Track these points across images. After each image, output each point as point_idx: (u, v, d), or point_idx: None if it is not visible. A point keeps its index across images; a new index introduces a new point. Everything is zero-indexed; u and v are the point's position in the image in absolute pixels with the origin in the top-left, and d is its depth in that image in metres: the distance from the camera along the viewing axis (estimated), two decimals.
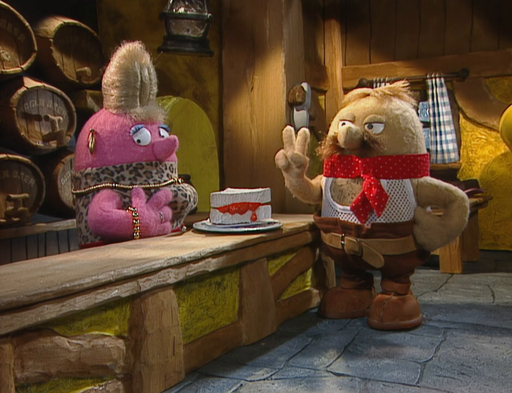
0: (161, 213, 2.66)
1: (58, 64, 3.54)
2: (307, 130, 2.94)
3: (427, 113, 4.86)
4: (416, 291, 3.39)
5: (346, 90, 5.24)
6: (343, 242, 2.76)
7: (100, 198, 2.59)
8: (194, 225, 2.90)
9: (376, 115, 2.73)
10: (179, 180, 2.84)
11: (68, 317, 1.76)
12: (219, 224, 2.74)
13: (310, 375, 2.16)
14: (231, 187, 3.05)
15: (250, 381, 2.12)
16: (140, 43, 2.76)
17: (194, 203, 2.84)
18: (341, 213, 2.78)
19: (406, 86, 2.85)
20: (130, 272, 1.90)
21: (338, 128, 2.83)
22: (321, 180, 2.98)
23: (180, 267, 2.13)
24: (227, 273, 2.48)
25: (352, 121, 2.77)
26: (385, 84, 4.89)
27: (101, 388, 1.86)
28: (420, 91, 4.86)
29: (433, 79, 4.72)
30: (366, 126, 2.72)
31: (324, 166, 2.96)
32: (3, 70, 3.16)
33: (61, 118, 3.44)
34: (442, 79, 4.71)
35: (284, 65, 3.69)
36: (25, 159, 3.25)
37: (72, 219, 3.26)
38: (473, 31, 4.77)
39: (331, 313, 2.91)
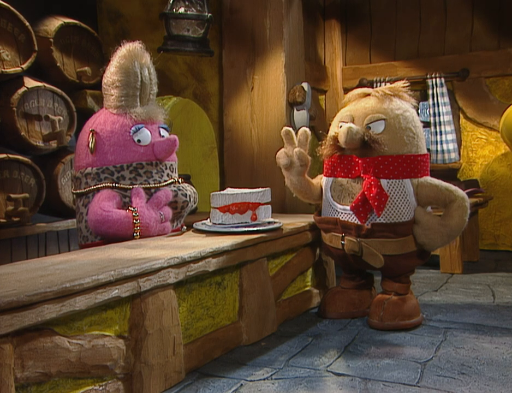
0: (162, 212, 2.66)
1: (58, 64, 3.54)
2: (307, 129, 2.94)
3: (427, 113, 4.86)
4: (416, 291, 3.39)
5: (346, 90, 5.24)
6: (343, 242, 2.76)
7: (100, 198, 2.59)
8: (194, 225, 2.90)
9: (376, 115, 2.73)
10: (179, 180, 2.84)
11: (68, 317, 1.76)
12: (219, 224, 2.74)
13: (310, 375, 2.16)
14: (231, 187, 3.05)
15: (250, 381, 2.12)
16: (140, 43, 2.76)
17: (194, 203, 2.84)
18: (341, 213, 2.78)
19: (407, 86, 2.85)
20: (130, 272, 1.90)
21: (338, 128, 2.83)
22: (321, 180, 2.98)
23: (181, 267, 2.13)
24: (228, 273, 2.48)
25: (353, 118, 2.77)
26: (385, 84, 4.88)
27: (101, 388, 1.86)
28: (420, 91, 4.86)
29: (433, 79, 4.72)
30: (366, 126, 2.72)
31: (324, 166, 2.95)
32: (3, 69, 3.16)
33: (61, 118, 3.44)
34: (443, 79, 4.71)
35: (284, 65, 3.69)
36: (26, 159, 3.25)
37: (73, 219, 3.26)
38: (473, 31, 4.77)
39: (331, 312, 2.91)
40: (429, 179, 2.76)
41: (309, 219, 3.10)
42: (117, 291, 1.86)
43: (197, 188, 3.28)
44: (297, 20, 3.90)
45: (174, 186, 2.76)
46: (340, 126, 2.79)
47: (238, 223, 2.73)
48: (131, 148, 2.67)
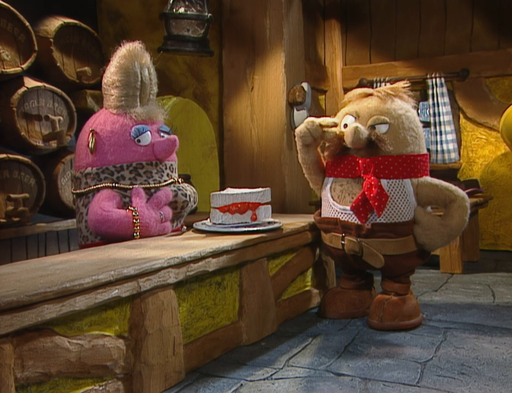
0: (161, 212, 2.66)
1: (58, 64, 3.54)
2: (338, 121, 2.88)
3: (427, 113, 4.86)
4: (416, 291, 3.39)
5: (346, 90, 5.22)
6: (343, 242, 2.76)
7: (100, 198, 2.59)
8: (194, 225, 2.90)
9: (380, 116, 2.73)
10: (179, 180, 2.84)
11: (68, 317, 1.76)
12: (219, 224, 2.74)
13: (310, 375, 2.16)
14: (231, 187, 3.05)
15: (250, 381, 2.12)
16: (140, 43, 2.76)
17: (194, 203, 2.84)
18: (342, 213, 2.77)
19: (407, 86, 2.86)
20: (130, 272, 1.90)
21: (340, 127, 2.82)
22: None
23: (181, 267, 2.13)
24: (228, 273, 2.48)
25: (356, 118, 2.77)
26: (385, 84, 4.89)
27: (101, 388, 1.86)
28: (420, 91, 4.86)
29: (433, 79, 4.72)
30: (370, 126, 2.72)
31: (325, 165, 2.95)
32: (3, 70, 3.16)
33: (61, 118, 3.44)
34: (443, 79, 4.71)
35: (284, 65, 3.69)
36: (26, 159, 3.25)
37: (72, 219, 3.26)
38: (473, 31, 4.77)
39: (331, 313, 2.91)
40: (429, 179, 2.76)
41: (309, 219, 3.10)
42: (117, 291, 1.86)
43: (197, 188, 3.28)
44: (297, 20, 3.90)
45: (174, 186, 2.76)
46: (345, 126, 2.78)
47: (238, 223, 2.73)
48: (131, 148, 2.67)
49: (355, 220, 2.72)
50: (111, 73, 2.72)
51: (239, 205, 2.74)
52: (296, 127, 3.00)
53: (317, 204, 3.40)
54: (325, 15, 5.19)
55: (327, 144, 2.84)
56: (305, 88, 3.70)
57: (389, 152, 2.68)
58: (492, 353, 2.33)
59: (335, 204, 2.81)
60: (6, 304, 1.51)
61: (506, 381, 2.04)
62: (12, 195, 3.15)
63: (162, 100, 4.34)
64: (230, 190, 2.88)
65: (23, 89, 3.24)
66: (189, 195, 2.78)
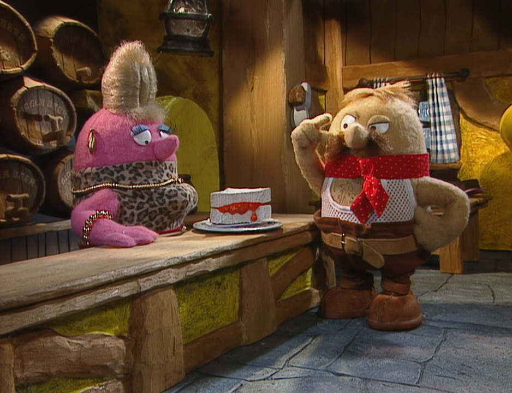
0: (124, 231, 2.49)
1: (58, 64, 3.54)
2: (330, 116, 2.90)
3: (427, 113, 4.86)
4: (416, 291, 3.39)
5: (346, 90, 5.22)
6: (343, 242, 2.76)
7: (92, 199, 2.61)
8: (194, 225, 2.90)
9: (382, 116, 2.73)
10: (179, 180, 2.84)
11: (68, 317, 1.76)
12: (219, 224, 2.74)
13: (310, 375, 2.16)
14: (231, 187, 3.05)
15: (250, 381, 2.12)
16: (139, 43, 2.76)
17: (194, 203, 2.84)
18: (341, 213, 2.77)
19: (407, 87, 2.86)
20: (130, 272, 1.90)
21: (340, 127, 2.83)
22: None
23: (181, 267, 2.13)
24: (227, 273, 2.48)
25: (356, 118, 2.77)
26: (385, 84, 4.89)
27: (101, 388, 1.86)
28: (420, 91, 4.86)
29: (433, 79, 4.72)
30: (371, 126, 2.72)
31: (325, 166, 2.95)
32: (3, 70, 3.16)
33: (61, 118, 3.44)
34: (443, 79, 4.71)
35: (284, 65, 3.69)
36: (26, 159, 3.25)
37: None
38: (473, 31, 4.77)
39: (331, 313, 2.91)
40: (429, 179, 2.76)
41: (309, 219, 3.10)
42: (117, 291, 1.86)
43: (197, 188, 3.28)
44: (297, 20, 3.90)
45: (174, 186, 2.75)
46: (345, 126, 2.79)
47: (238, 223, 2.73)
48: (131, 148, 2.67)
49: (355, 220, 2.72)
50: (111, 73, 2.72)
51: (239, 205, 2.74)
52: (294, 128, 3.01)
53: (317, 204, 3.40)
54: (325, 15, 5.19)
55: (327, 145, 2.83)
56: (305, 88, 3.70)
57: (389, 151, 2.67)
58: (492, 353, 2.33)
59: (335, 204, 2.81)
60: (6, 304, 1.51)
61: (506, 381, 2.04)
62: (12, 195, 3.15)
63: (162, 100, 4.34)
64: (230, 190, 2.88)
65: (23, 89, 3.24)
66: (189, 195, 2.78)
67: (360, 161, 2.71)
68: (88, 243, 2.51)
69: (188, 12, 3.58)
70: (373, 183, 2.65)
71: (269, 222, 2.83)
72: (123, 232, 2.44)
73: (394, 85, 2.86)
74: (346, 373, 2.17)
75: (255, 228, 2.68)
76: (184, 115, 5.14)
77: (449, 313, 2.94)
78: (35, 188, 3.32)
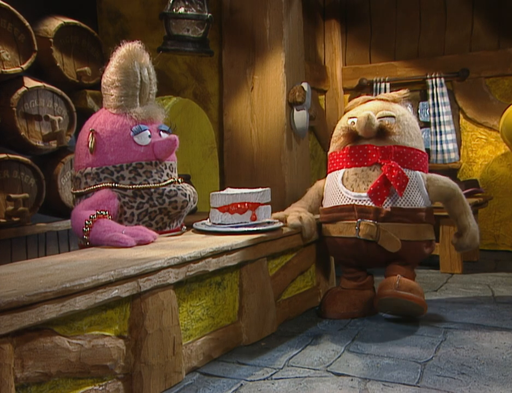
0: (124, 231, 2.49)
1: (58, 64, 3.54)
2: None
3: (427, 113, 4.86)
4: None
5: (346, 90, 5.24)
6: (357, 228, 2.79)
7: (92, 199, 2.61)
8: (194, 225, 2.90)
9: (387, 112, 2.91)
10: (179, 180, 2.84)
11: (68, 317, 1.76)
12: (219, 224, 2.74)
13: (310, 375, 2.16)
14: (231, 187, 3.05)
15: (250, 381, 2.12)
16: (139, 43, 2.76)
17: (194, 203, 2.84)
18: (356, 200, 2.84)
19: (407, 96, 3.07)
20: (130, 272, 1.90)
21: (348, 124, 2.97)
22: (317, 190, 3.13)
23: (181, 267, 2.13)
24: (227, 273, 2.48)
25: None
26: (385, 84, 4.91)
27: (101, 388, 1.86)
28: (420, 91, 4.86)
29: (433, 79, 4.72)
30: (379, 119, 2.88)
31: (330, 162, 3.03)
32: (3, 70, 3.16)
33: (61, 118, 3.43)
34: (443, 79, 4.71)
35: (284, 65, 3.69)
36: (26, 159, 3.25)
37: None
38: (473, 31, 4.77)
39: (331, 313, 2.91)
40: (434, 176, 2.94)
41: None
42: (117, 291, 1.86)
43: (197, 188, 3.28)
44: (297, 20, 3.90)
45: (174, 186, 2.75)
46: (351, 122, 2.94)
47: (238, 223, 2.73)
48: (131, 148, 2.67)
49: (372, 204, 2.80)
50: (111, 73, 2.72)
51: (239, 205, 2.74)
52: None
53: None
54: (325, 15, 5.19)
55: (337, 136, 2.97)
56: (305, 88, 3.69)
57: (398, 141, 2.84)
58: (492, 353, 2.33)
59: (348, 192, 2.87)
60: (6, 304, 1.51)
61: (506, 381, 2.04)
62: (12, 195, 3.14)
63: (162, 100, 4.34)
64: (229, 190, 2.88)
65: (23, 89, 3.24)
66: (189, 195, 2.78)
67: (378, 148, 2.82)
68: (88, 243, 2.51)
69: (188, 12, 3.57)
70: (393, 165, 2.76)
71: (269, 222, 2.83)
72: (123, 232, 2.44)
73: (397, 92, 3.07)
74: (346, 373, 2.17)
75: (254, 228, 2.68)
76: (184, 115, 5.14)
77: (449, 313, 2.95)
78: (35, 188, 3.32)
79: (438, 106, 4.70)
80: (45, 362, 1.67)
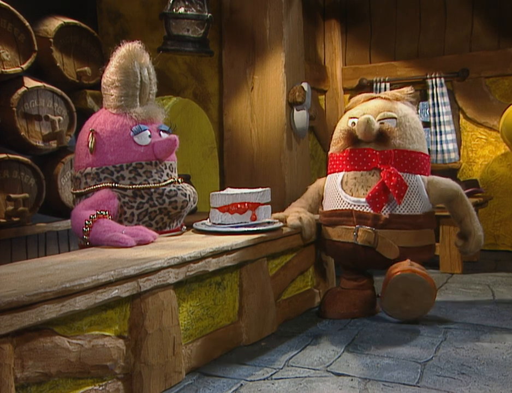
0: (124, 231, 2.48)
1: (58, 64, 3.54)
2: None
3: (427, 113, 4.86)
4: None
5: (346, 90, 5.24)
6: (356, 234, 2.77)
7: (92, 199, 2.61)
8: (194, 225, 2.90)
9: (389, 113, 2.84)
10: (179, 180, 2.84)
11: (68, 317, 1.76)
12: (218, 224, 2.74)
13: (310, 375, 2.16)
14: (231, 187, 3.05)
15: (250, 381, 2.12)
16: (139, 43, 2.76)
17: (194, 203, 2.84)
18: (355, 205, 2.81)
19: (411, 93, 3.00)
20: (130, 272, 1.90)
21: (348, 125, 2.92)
22: (316, 189, 3.10)
23: (181, 267, 2.13)
24: (227, 273, 2.48)
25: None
26: (385, 84, 4.90)
27: (101, 388, 1.86)
28: (420, 91, 4.86)
29: (433, 79, 4.72)
30: (379, 121, 2.82)
31: (330, 163, 2.99)
32: (3, 70, 3.16)
33: (61, 118, 3.43)
34: (443, 79, 4.71)
35: (284, 65, 3.69)
36: (25, 159, 3.25)
37: None
38: (473, 31, 4.77)
39: (331, 313, 2.91)
40: (436, 178, 2.89)
41: None
42: (117, 291, 1.86)
43: (197, 188, 3.28)
44: (297, 20, 3.90)
45: (174, 186, 2.75)
46: (352, 123, 2.89)
47: (238, 223, 2.73)
48: (131, 148, 2.67)
49: (371, 211, 2.76)
50: (111, 73, 2.72)
51: (239, 205, 2.74)
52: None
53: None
54: (325, 15, 5.19)
55: (337, 138, 2.92)
56: (305, 88, 3.69)
57: (398, 145, 2.78)
58: (492, 353, 2.33)
59: (347, 196, 2.83)
60: (6, 304, 1.51)
61: (506, 381, 2.04)
62: (12, 195, 3.14)
63: (162, 100, 4.34)
64: (229, 190, 2.88)
65: (23, 89, 3.24)
66: (189, 195, 2.78)
67: (378, 153, 2.78)
68: (88, 243, 2.51)
69: (188, 12, 3.57)
70: (392, 172, 2.72)
71: (269, 222, 2.83)
72: (123, 232, 2.44)
73: (400, 90, 2.99)
74: (346, 373, 2.17)
75: (254, 228, 2.68)
76: (184, 115, 5.14)
77: (449, 313, 2.95)
78: (35, 188, 3.32)
79: (438, 106, 4.70)
80: (45, 362, 1.67)
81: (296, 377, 2.14)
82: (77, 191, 2.74)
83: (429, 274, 2.67)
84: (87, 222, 2.49)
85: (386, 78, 4.91)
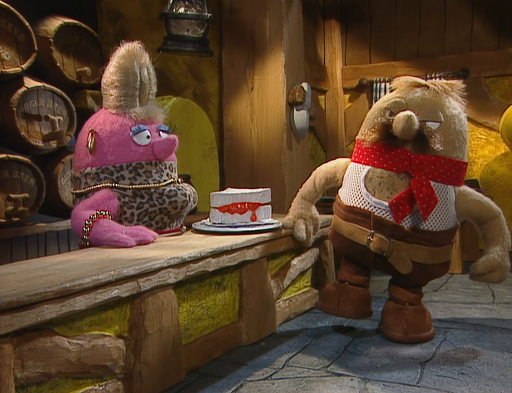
0: (124, 231, 2.48)
1: (58, 64, 3.54)
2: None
3: None
4: None
5: (346, 90, 5.24)
6: (370, 239, 2.50)
7: (92, 199, 2.61)
8: (193, 225, 2.90)
9: (434, 111, 2.52)
10: (179, 180, 2.84)
11: (68, 317, 1.76)
12: (218, 224, 2.74)
13: (310, 375, 2.16)
14: (231, 187, 3.05)
15: (250, 381, 2.12)
16: (139, 43, 2.76)
17: (194, 203, 2.84)
18: (375, 207, 2.51)
19: (463, 87, 2.72)
20: (130, 272, 1.90)
21: (385, 114, 2.56)
22: (340, 168, 2.75)
23: (180, 267, 2.13)
24: (227, 273, 2.48)
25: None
26: (385, 84, 4.90)
27: (101, 388, 1.86)
28: None
29: (433, 79, 4.72)
30: (421, 121, 2.49)
31: (357, 151, 2.66)
32: (3, 70, 3.16)
33: (61, 118, 3.43)
34: (443, 79, 4.70)
35: (284, 65, 3.69)
36: (25, 159, 3.25)
37: None
38: (473, 31, 4.77)
39: (330, 310, 2.76)
40: (468, 190, 2.57)
41: None
42: (116, 291, 1.86)
43: (197, 188, 3.28)
44: (297, 20, 3.90)
45: (174, 186, 2.75)
46: (390, 113, 2.54)
47: (238, 223, 2.73)
48: (130, 148, 2.67)
49: (392, 218, 2.47)
50: (110, 73, 2.72)
51: (239, 205, 2.74)
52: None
53: (319, 205, 3.30)
54: (324, 15, 5.19)
55: (369, 131, 2.57)
56: (305, 88, 3.70)
57: (438, 151, 2.46)
58: (492, 353, 2.33)
59: (369, 196, 2.52)
60: (6, 304, 1.51)
61: (506, 381, 2.04)
62: (12, 195, 3.14)
63: (162, 100, 4.34)
64: (230, 190, 2.88)
65: (23, 89, 3.23)
66: (189, 195, 2.78)
67: (412, 156, 2.45)
68: (88, 243, 2.51)
69: (188, 12, 3.57)
70: (424, 183, 2.41)
71: (269, 222, 2.82)
72: (123, 232, 2.44)
73: (451, 82, 2.66)
74: (346, 373, 2.17)
75: (254, 228, 2.68)
76: (184, 115, 5.14)
77: (449, 313, 2.94)
78: (35, 188, 3.32)
79: None
80: (45, 362, 1.67)
81: (296, 377, 2.14)
82: (77, 191, 2.74)
83: (423, 324, 2.54)
84: (87, 222, 2.50)
85: (386, 78, 4.91)
